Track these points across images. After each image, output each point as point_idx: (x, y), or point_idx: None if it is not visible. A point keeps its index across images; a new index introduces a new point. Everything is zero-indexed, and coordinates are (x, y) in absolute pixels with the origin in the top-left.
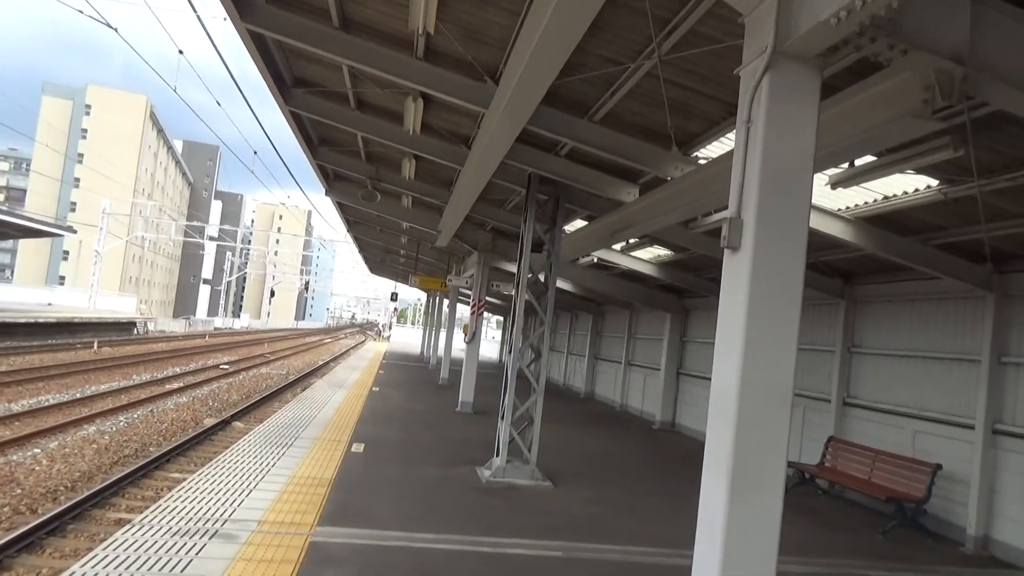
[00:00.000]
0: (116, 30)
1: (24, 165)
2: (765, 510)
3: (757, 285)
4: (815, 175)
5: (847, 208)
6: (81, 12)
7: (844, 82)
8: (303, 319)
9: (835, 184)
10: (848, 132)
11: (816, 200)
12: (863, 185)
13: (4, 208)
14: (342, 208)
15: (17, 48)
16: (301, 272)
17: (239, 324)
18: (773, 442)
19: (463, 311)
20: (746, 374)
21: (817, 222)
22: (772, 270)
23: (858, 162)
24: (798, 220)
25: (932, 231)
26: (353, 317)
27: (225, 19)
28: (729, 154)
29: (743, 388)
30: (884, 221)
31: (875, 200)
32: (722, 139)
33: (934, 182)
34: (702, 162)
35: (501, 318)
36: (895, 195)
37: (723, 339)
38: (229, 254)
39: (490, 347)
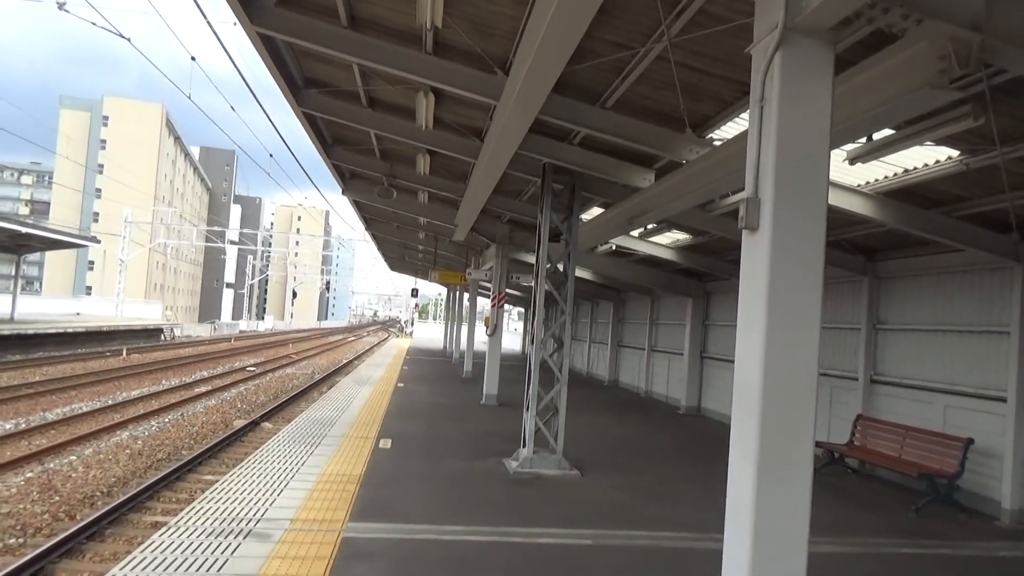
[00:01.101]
0: (129, 40)
1: (47, 178)
2: (794, 491)
3: (777, 265)
4: (832, 151)
5: (867, 183)
6: (95, 24)
7: (858, 56)
8: (326, 318)
9: (853, 159)
10: (864, 106)
11: (834, 176)
12: (882, 159)
13: (29, 221)
14: (359, 207)
15: (35, 64)
16: (322, 272)
17: (263, 326)
18: (799, 423)
19: (484, 304)
20: (769, 356)
21: (836, 199)
22: (792, 249)
23: (876, 136)
24: (816, 198)
25: (955, 202)
26: (375, 314)
27: (235, 24)
28: (744, 134)
29: (767, 370)
30: (905, 195)
31: (895, 174)
32: (736, 119)
33: (955, 152)
34: (717, 144)
35: (522, 309)
36: (915, 168)
37: (745, 321)
38: (250, 257)
39: (512, 339)
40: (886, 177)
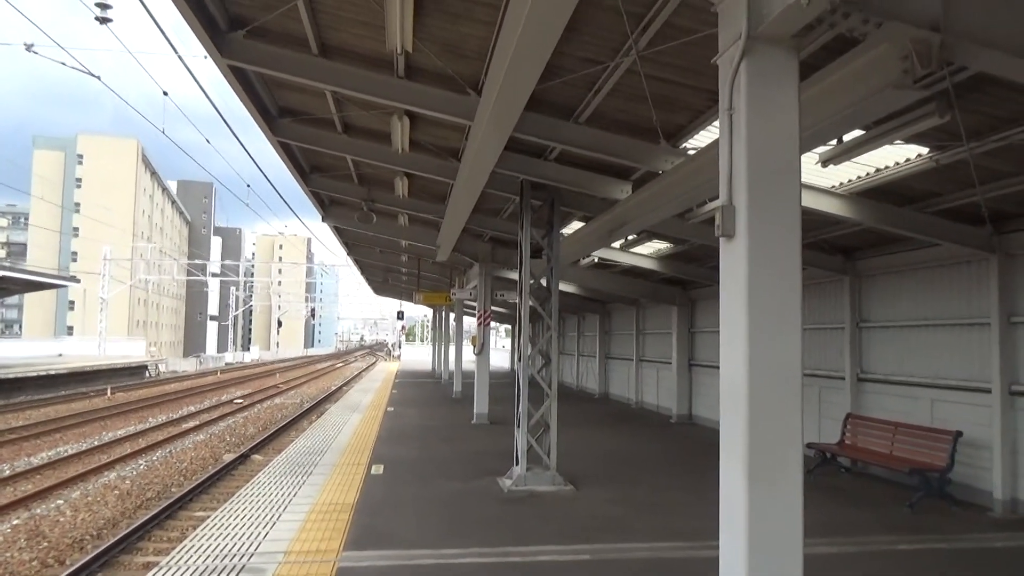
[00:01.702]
0: (99, 78)
1: (23, 219)
2: (786, 493)
3: (755, 270)
4: (804, 154)
5: (840, 184)
6: (64, 64)
7: (822, 60)
8: (312, 346)
9: (826, 161)
10: (832, 109)
11: (808, 179)
12: (854, 160)
13: (6, 264)
14: (340, 232)
15: (7, 106)
16: (306, 299)
17: (249, 357)
18: (787, 425)
19: (470, 323)
20: (753, 360)
21: (811, 201)
22: (769, 254)
23: (846, 137)
24: (790, 202)
25: (928, 199)
26: (362, 339)
27: (206, 57)
28: (717, 142)
29: (752, 374)
30: (879, 193)
31: (867, 174)
32: (709, 128)
33: (924, 150)
34: (691, 153)
35: (509, 326)
36: (887, 167)
37: (727, 327)
38: (233, 288)
39: (501, 356)
40: (859, 177)
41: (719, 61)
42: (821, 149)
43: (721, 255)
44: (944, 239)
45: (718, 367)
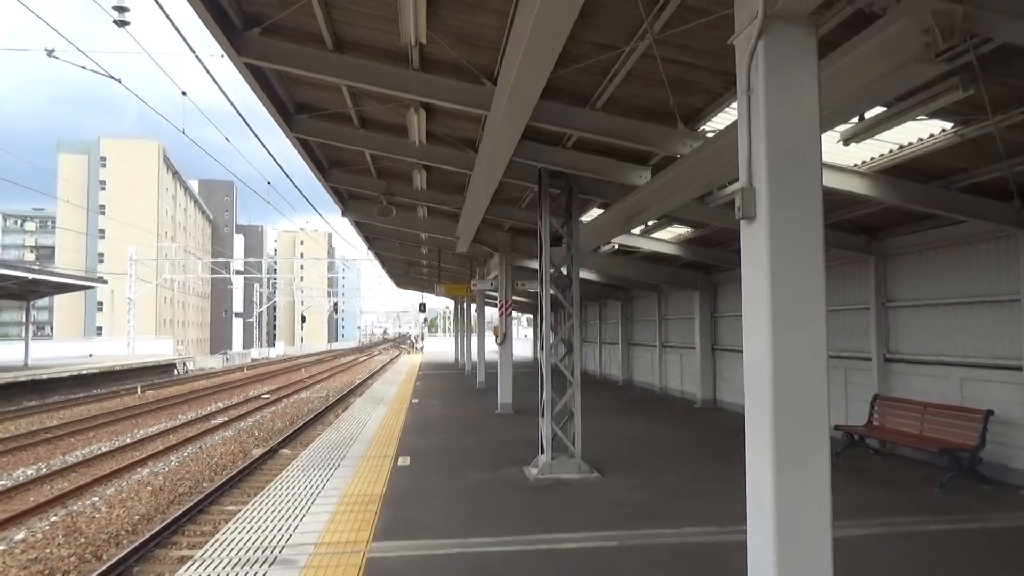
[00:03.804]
0: (120, 81)
1: (50, 223)
2: (814, 476)
3: (777, 252)
4: (825, 133)
5: (863, 163)
6: (84, 68)
7: (842, 37)
8: (336, 340)
9: (847, 140)
10: (852, 87)
11: (829, 158)
12: (876, 137)
13: (36, 267)
14: (360, 227)
15: (31, 111)
16: (328, 294)
17: (274, 353)
18: (813, 407)
19: (492, 313)
20: (777, 343)
21: (833, 180)
22: (791, 235)
23: (868, 115)
24: (811, 182)
25: (953, 174)
26: (385, 332)
27: (223, 56)
28: (736, 124)
29: (776, 358)
30: (903, 171)
31: (890, 151)
32: (727, 110)
33: (948, 125)
34: (710, 135)
35: (531, 315)
36: (910, 143)
37: (750, 311)
38: (256, 285)
39: (523, 346)
40: (881, 155)
41: (735, 42)
42: (842, 127)
43: (742, 238)
44: (971, 215)
45: (742, 351)
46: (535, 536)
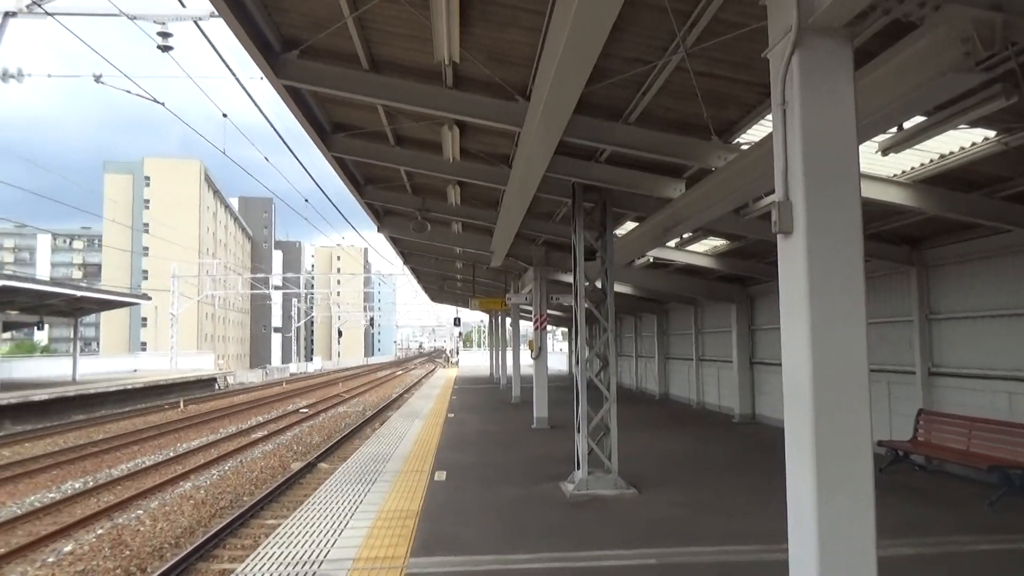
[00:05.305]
0: (163, 104)
1: (96, 242)
2: (857, 493)
3: (816, 266)
4: (863, 143)
5: (903, 172)
6: (129, 92)
7: (878, 47)
8: (372, 354)
9: (886, 150)
10: (890, 97)
11: (868, 169)
12: (916, 147)
13: (83, 285)
14: (396, 242)
15: (81, 135)
16: (364, 309)
17: (312, 367)
18: (855, 423)
19: (527, 327)
20: (817, 359)
21: (873, 191)
22: (829, 249)
23: (907, 124)
24: (849, 194)
25: (997, 183)
26: (420, 346)
27: (262, 78)
28: (771, 136)
29: (816, 373)
30: (944, 180)
31: (931, 160)
32: (762, 122)
33: (991, 133)
34: (744, 148)
35: (565, 329)
36: (952, 152)
37: (788, 326)
38: (295, 300)
39: (558, 359)
40: (922, 164)
41: (770, 55)
42: (881, 137)
43: (779, 252)
44: (1016, 224)
45: (781, 365)
46: (573, 553)
